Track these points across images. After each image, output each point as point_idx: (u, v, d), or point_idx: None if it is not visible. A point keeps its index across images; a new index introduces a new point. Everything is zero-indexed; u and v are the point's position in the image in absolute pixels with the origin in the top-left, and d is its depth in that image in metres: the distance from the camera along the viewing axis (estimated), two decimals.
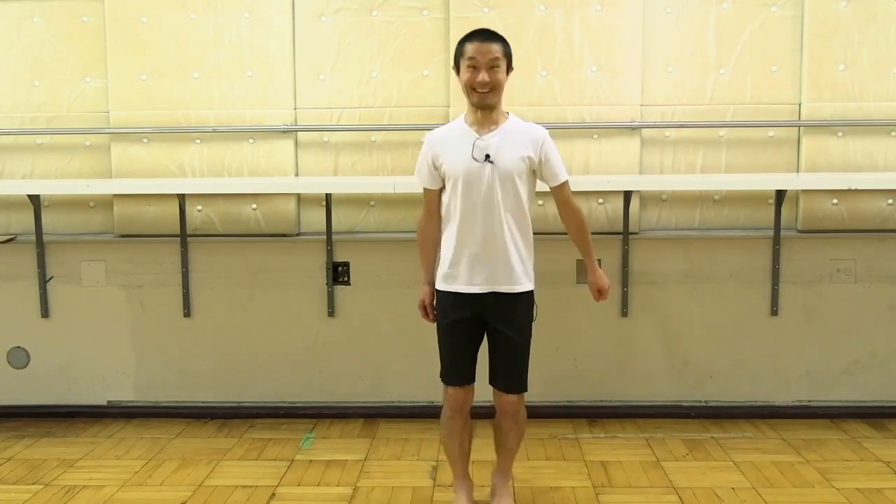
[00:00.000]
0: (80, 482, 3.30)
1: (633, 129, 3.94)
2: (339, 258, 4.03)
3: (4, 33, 4.09)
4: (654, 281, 3.97)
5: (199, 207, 4.05)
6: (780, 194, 3.85)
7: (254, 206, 4.04)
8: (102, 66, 4.05)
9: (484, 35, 2.75)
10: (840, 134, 3.93)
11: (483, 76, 2.69)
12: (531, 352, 2.86)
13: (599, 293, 2.96)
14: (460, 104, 3.91)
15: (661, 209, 4.04)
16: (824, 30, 3.88)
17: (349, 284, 4.04)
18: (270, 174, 4.04)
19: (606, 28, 3.88)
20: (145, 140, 4.05)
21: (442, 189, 2.83)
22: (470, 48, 2.72)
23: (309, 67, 4.01)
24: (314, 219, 4.06)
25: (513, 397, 2.83)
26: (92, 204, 4.14)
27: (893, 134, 3.94)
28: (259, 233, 4.05)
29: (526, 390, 2.85)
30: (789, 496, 3.11)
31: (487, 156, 2.72)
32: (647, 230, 4.02)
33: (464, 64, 2.73)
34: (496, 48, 2.73)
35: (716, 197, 4.01)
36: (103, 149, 4.10)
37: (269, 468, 3.43)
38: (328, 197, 3.93)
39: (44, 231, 4.05)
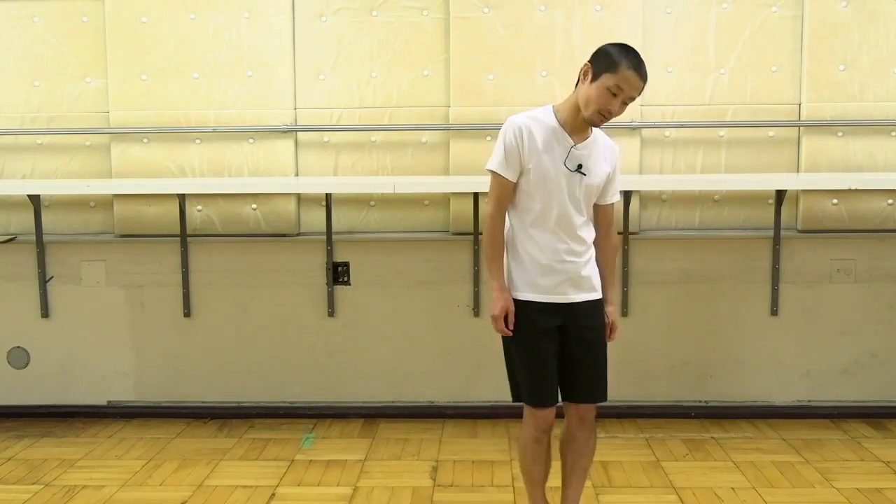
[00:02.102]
0: (80, 482, 3.30)
1: (633, 129, 3.94)
2: (339, 258, 4.03)
3: (4, 33, 4.09)
4: (654, 281, 3.97)
5: (199, 207, 4.05)
6: (780, 194, 3.85)
7: (254, 206, 4.04)
8: (102, 66, 4.04)
9: (639, 66, 2.51)
10: (840, 134, 3.93)
11: (618, 109, 2.49)
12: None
13: (611, 331, 2.69)
14: (460, 104, 3.93)
15: (661, 209, 4.04)
16: (824, 30, 3.88)
17: (349, 284, 4.04)
18: (270, 174, 4.04)
19: (606, 28, 3.88)
20: (145, 140, 4.05)
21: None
22: (623, 74, 2.45)
23: (309, 67, 4.01)
24: (314, 219, 4.06)
25: (593, 407, 2.66)
26: (92, 204, 4.14)
27: (893, 134, 3.94)
28: (259, 233, 4.05)
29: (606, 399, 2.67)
30: (789, 496, 3.11)
31: (580, 166, 2.56)
32: (647, 230, 4.02)
33: (607, 82, 2.45)
34: (642, 86, 2.52)
35: (716, 197, 4.01)
36: (103, 149, 4.10)
37: (269, 468, 3.43)
38: (328, 197, 3.93)
39: (44, 231, 4.05)
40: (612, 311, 2.69)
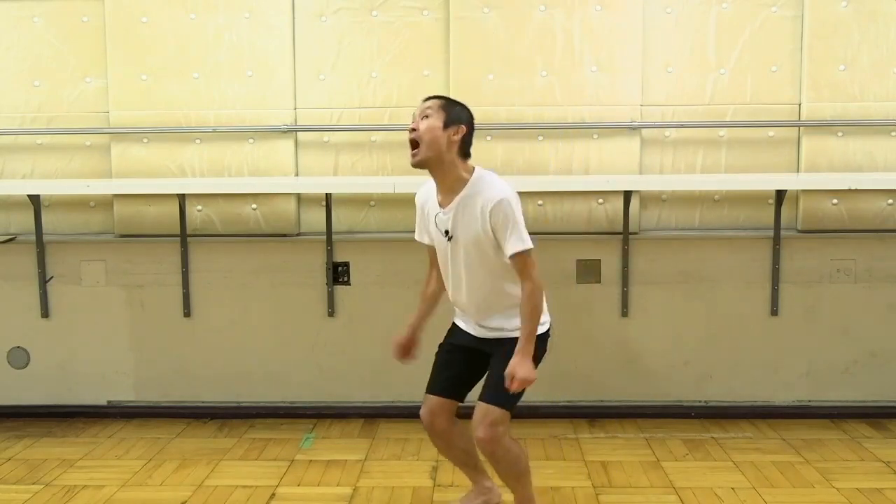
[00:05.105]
0: (80, 482, 3.30)
1: (632, 129, 3.94)
2: (339, 258, 4.03)
3: (4, 33, 4.09)
4: (654, 281, 3.97)
5: (199, 207, 4.05)
6: (780, 194, 3.85)
7: (254, 205, 4.04)
8: (102, 66, 4.04)
9: (426, 98, 2.69)
10: (840, 134, 3.93)
11: (412, 125, 2.60)
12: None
13: (511, 379, 2.55)
14: None
15: (661, 209, 4.04)
16: (824, 30, 3.88)
17: (349, 284, 4.04)
18: (270, 174, 4.04)
19: (606, 28, 3.88)
20: (145, 140, 4.05)
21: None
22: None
23: (309, 67, 4.01)
24: (314, 219, 4.06)
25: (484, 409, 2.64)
26: (92, 204, 4.14)
27: (893, 134, 3.94)
28: (259, 233, 4.05)
29: (505, 408, 2.64)
30: (789, 496, 3.10)
31: (447, 231, 2.64)
32: (647, 230, 4.02)
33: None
34: (430, 101, 2.64)
35: (716, 197, 4.01)
36: (103, 149, 4.10)
37: (269, 468, 3.43)
38: (328, 197, 3.93)
39: (44, 231, 4.05)
40: (513, 361, 2.55)
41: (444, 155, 2.58)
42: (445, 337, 2.89)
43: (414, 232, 2.86)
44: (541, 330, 2.66)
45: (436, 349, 2.88)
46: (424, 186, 2.77)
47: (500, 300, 2.67)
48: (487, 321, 2.71)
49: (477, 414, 2.64)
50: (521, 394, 2.61)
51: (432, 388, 2.82)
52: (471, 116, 2.67)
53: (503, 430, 2.62)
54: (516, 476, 2.73)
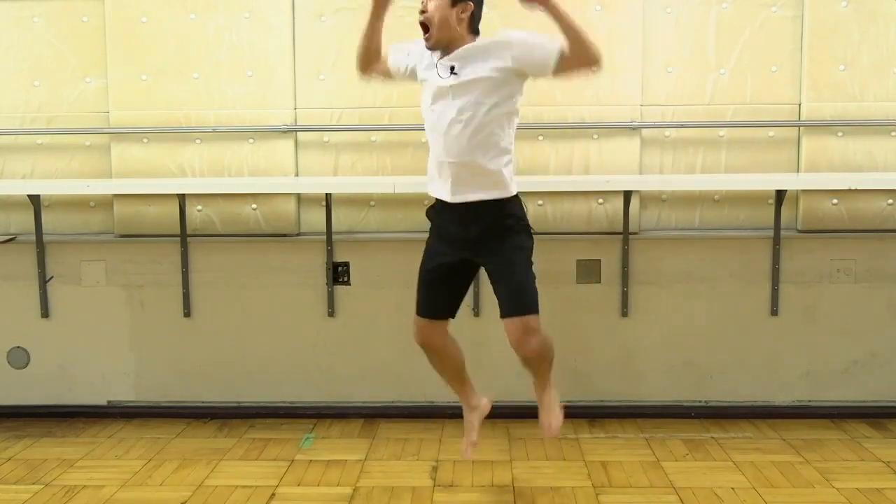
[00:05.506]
0: (80, 482, 3.30)
1: (632, 129, 3.94)
2: (339, 258, 4.03)
3: (4, 33, 4.09)
4: (654, 281, 3.97)
5: (199, 207, 4.05)
6: (780, 194, 3.85)
7: (254, 206, 4.04)
8: (102, 66, 4.05)
9: None
10: (840, 134, 3.93)
11: (420, 7, 2.68)
12: None
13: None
14: None
15: (661, 209, 4.04)
16: (824, 30, 3.88)
17: (349, 284, 4.04)
18: (270, 174, 4.04)
19: (606, 28, 3.88)
20: (145, 140, 4.05)
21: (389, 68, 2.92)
22: None
23: (309, 67, 4.01)
24: (314, 219, 4.06)
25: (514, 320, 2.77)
26: (92, 204, 4.14)
27: (893, 134, 3.94)
28: (259, 233, 4.05)
29: (534, 311, 2.77)
30: (789, 496, 3.10)
31: (452, 68, 2.69)
32: (647, 230, 4.02)
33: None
34: None
35: (716, 197, 4.01)
36: (103, 149, 4.10)
37: (269, 468, 3.43)
38: (328, 197, 3.93)
39: (44, 231, 4.05)
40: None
41: (455, 32, 2.67)
42: (425, 251, 2.94)
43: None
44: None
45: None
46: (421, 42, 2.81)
47: (485, 153, 2.71)
48: (468, 180, 2.74)
49: (514, 331, 2.73)
50: (536, 293, 2.74)
51: (423, 312, 2.90)
52: None
53: (541, 330, 2.78)
54: (550, 361, 2.92)
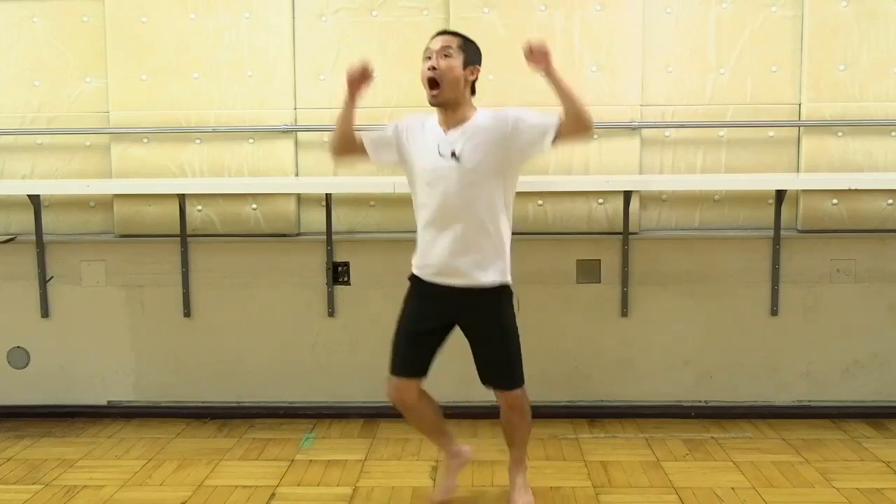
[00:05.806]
0: (80, 482, 3.30)
1: (633, 129, 3.94)
2: (339, 258, 4.03)
3: (4, 33, 4.09)
4: (654, 281, 3.97)
5: (199, 207, 4.05)
6: (780, 194, 3.85)
7: (254, 206, 4.04)
8: (102, 66, 4.05)
9: (441, 32, 2.80)
10: (840, 134, 3.93)
11: (430, 63, 2.69)
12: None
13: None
14: None
15: (661, 209, 4.04)
16: (824, 30, 3.88)
17: (349, 284, 4.04)
18: (270, 174, 4.04)
19: (606, 28, 3.88)
20: (145, 140, 4.05)
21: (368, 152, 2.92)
22: (428, 44, 2.76)
23: (309, 67, 4.01)
24: (314, 219, 4.06)
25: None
26: (92, 204, 4.14)
27: (893, 134, 3.94)
28: (259, 233, 4.05)
29: (521, 385, 2.85)
30: (789, 496, 3.11)
31: (453, 152, 2.69)
32: (647, 230, 4.02)
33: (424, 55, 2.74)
34: (448, 38, 2.74)
35: (716, 197, 4.01)
36: (103, 149, 4.10)
37: (269, 468, 3.43)
38: (328, 197, 3.93)
39: (44, 231, 4.05)
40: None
41: (460, 93, 2.72)
42: (403, 308, 2.92)
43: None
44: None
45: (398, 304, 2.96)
46: (410, 116, 2.86)
47: (482, 235, 2.71)
48: (461, 259, 2.71)
49: (504, 404, 2.83)
50: (521, 361, 2.80)
51: (399, 372, 2.90)
52: (481, 55, 2.81)
53: (526, 399, 2.85)
54: (528, 431, 2.94)
